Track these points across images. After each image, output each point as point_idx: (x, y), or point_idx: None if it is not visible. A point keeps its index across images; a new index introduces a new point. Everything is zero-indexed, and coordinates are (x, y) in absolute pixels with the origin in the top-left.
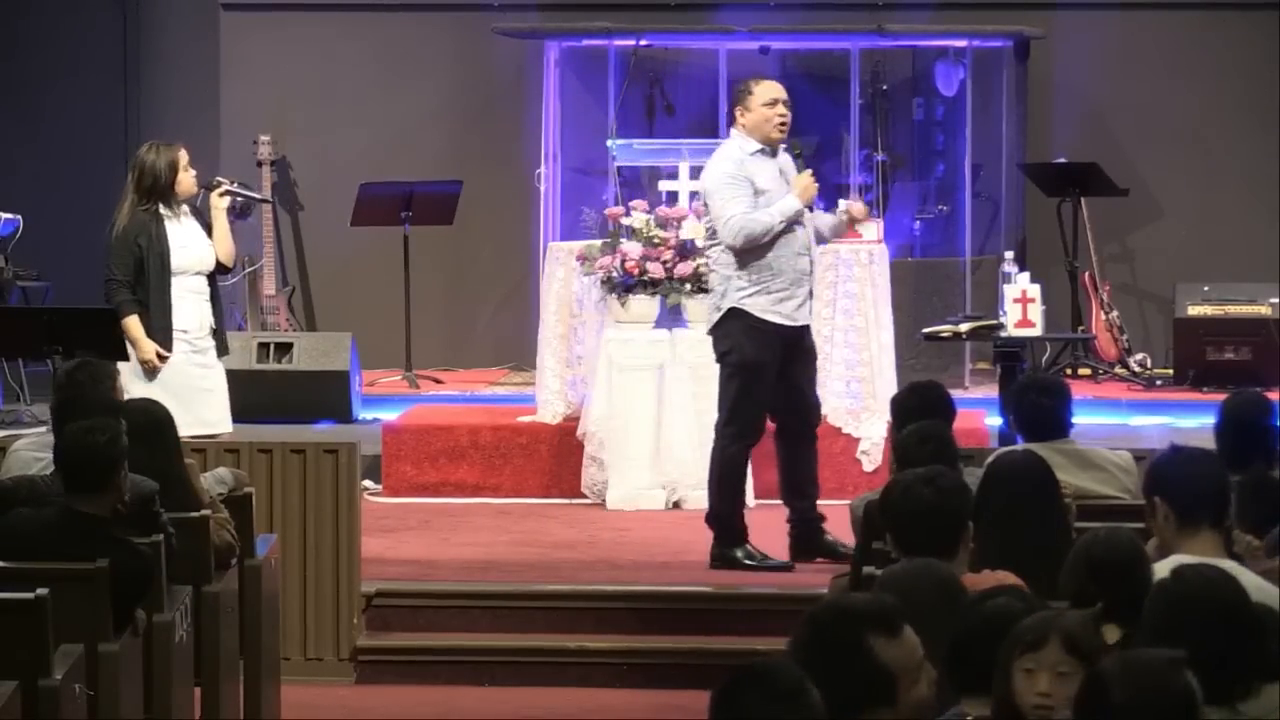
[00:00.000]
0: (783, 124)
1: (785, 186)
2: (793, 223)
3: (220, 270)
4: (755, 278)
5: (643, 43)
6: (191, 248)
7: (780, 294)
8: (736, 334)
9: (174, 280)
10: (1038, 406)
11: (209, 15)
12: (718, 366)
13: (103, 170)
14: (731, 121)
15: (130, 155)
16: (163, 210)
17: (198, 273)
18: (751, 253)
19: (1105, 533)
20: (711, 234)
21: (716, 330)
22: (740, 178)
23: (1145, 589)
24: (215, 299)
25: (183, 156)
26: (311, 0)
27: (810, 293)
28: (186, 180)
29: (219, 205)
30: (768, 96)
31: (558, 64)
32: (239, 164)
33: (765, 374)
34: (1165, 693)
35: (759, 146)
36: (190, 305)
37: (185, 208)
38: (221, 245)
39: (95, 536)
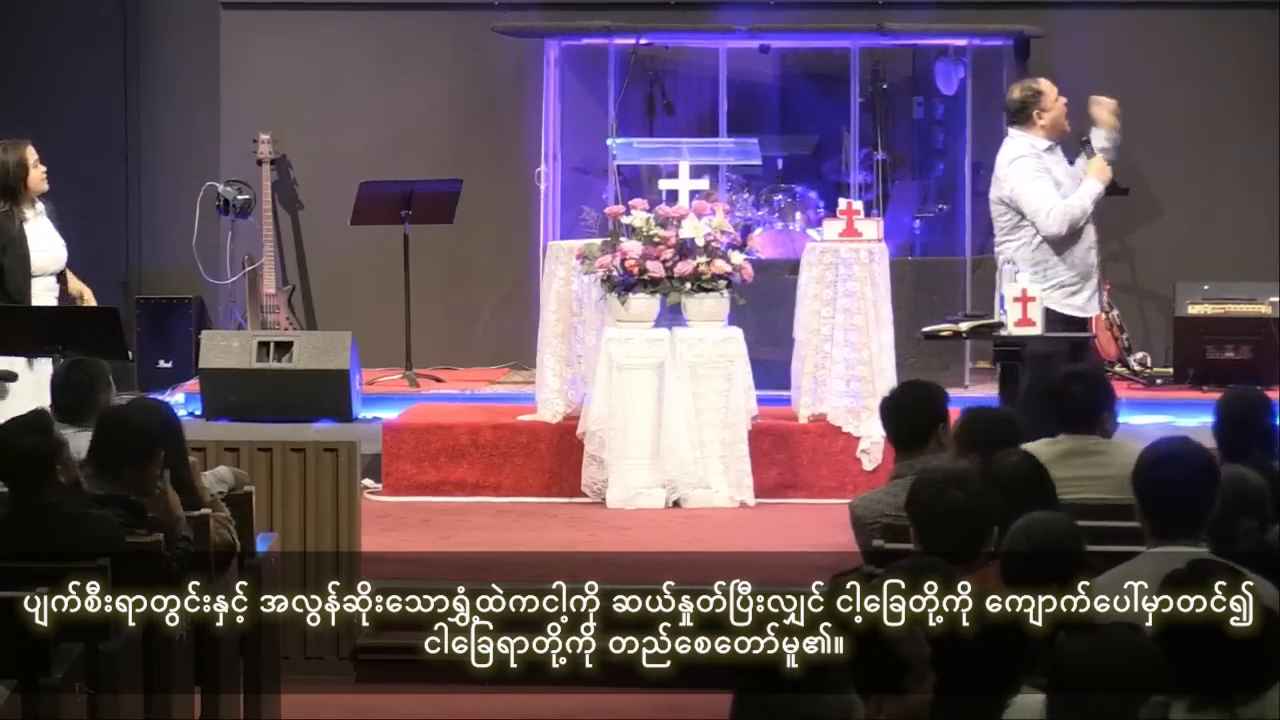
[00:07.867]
0: None
1: (1072, 178)
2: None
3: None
4: (1051, 272)
5: (643, 42)
6: (48, 249)
7: (1072, 287)
8: None
9: (33, 281)
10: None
11: (209, 15)
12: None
13: (103, 171)
14: (1019, 122)
15: (130, 155)
16: (16, 211)
17: (51, 273)
18: (1050, 248)
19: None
20: (1013, 227)
21: None
22: (1043, 170)
23: None
24: (64, 297)
25: (31, 153)
26: (311, 0)
27: (1098, 284)
28: (36, 176)
29: None
30: (1055, 92)
31: (558, 63)
32: (239, 163)
33: (1056, 365)
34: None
35: (1048, 143)
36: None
37: (41, 206)
38: None
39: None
